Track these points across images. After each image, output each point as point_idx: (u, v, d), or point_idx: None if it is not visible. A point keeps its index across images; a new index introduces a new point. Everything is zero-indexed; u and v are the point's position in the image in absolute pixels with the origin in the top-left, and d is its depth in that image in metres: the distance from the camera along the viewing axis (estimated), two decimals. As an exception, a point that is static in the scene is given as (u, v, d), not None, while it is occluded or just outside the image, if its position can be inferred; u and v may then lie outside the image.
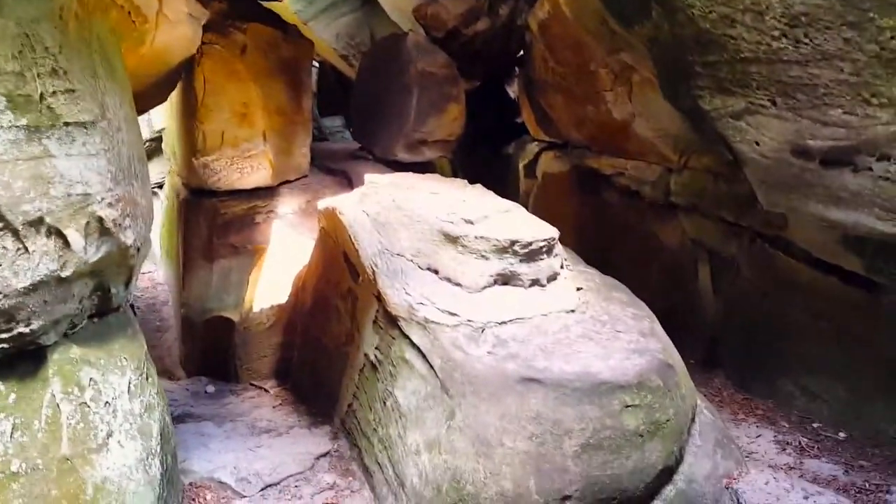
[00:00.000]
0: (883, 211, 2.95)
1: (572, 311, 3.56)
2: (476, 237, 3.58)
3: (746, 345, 5.07)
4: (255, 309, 5.75)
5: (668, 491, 2.92)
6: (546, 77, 7.78)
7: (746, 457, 3.86)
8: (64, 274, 2.58)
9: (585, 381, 2.80)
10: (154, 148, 8.46)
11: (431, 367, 3.04)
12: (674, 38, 4.02)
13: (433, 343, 3.07)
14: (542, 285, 3.75)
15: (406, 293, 3.37)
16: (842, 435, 4.04)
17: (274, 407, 4.87)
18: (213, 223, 5.99)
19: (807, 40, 3.05)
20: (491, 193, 4.69)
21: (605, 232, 7.67)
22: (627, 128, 6.36)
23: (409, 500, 2.92)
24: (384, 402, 3.29)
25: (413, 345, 3.18)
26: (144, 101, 6.63)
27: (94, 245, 2.70)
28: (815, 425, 4.21)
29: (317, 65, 13.64)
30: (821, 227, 3.79)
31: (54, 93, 2.55)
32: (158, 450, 2.91)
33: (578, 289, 3.91)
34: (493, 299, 3.45)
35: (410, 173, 6.06)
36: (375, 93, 8.27)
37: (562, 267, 4.06)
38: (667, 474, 2.91)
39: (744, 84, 3.51)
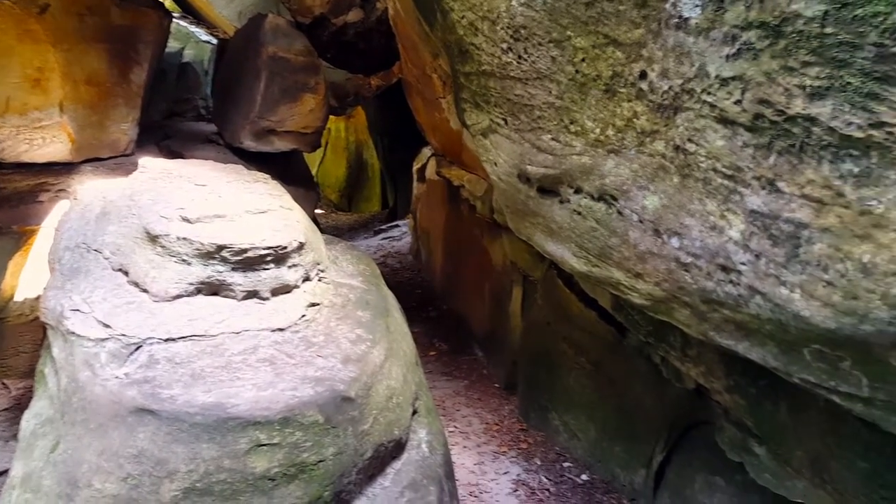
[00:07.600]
0: (577, 247, 2.72)
1: (281, 329, 3.19)
2: (178, 238, 3.16)
3: (532, 373, 4.87)
4: (18, 298, 5.13)
5: (311, 542, 2.58)
6: (409, 78, 7.44)
7: (475, 497, 3.62)
8: None
9: (210, 415, 2.43)
10: None
11: (59, 386, 2.60)
12: (450, 44, 3.75)
13: (67, 359, 2.63)
14: (263, 298, 3.36)
15: (69, 297, 2.92)
16: (584, 477, 3.85)
17: (-7, 411, 4.31)
18: (-13, 197, 5.34)
19: (526, 56, 2.80)
20: (277, 192, 4.26)
21: (459, 245, 7.44)
22: (461, 138, 6.09)
23: (-9, 545, 2.48)
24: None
25: (52, 359, 2.73)
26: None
27: None
28: (566, 464, 4.02)
29: (214, 41, 12.95)
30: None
31: None
32: None
33: (313, 304, 3.55)
34: (181, 311, 3.04)
35: (204, 161, 5.57)
36: (233, 75, 7.76)
37: (307, 279, 3.69)
38: (309, 524, 2.57)
39: (486, 100, 3.25)
